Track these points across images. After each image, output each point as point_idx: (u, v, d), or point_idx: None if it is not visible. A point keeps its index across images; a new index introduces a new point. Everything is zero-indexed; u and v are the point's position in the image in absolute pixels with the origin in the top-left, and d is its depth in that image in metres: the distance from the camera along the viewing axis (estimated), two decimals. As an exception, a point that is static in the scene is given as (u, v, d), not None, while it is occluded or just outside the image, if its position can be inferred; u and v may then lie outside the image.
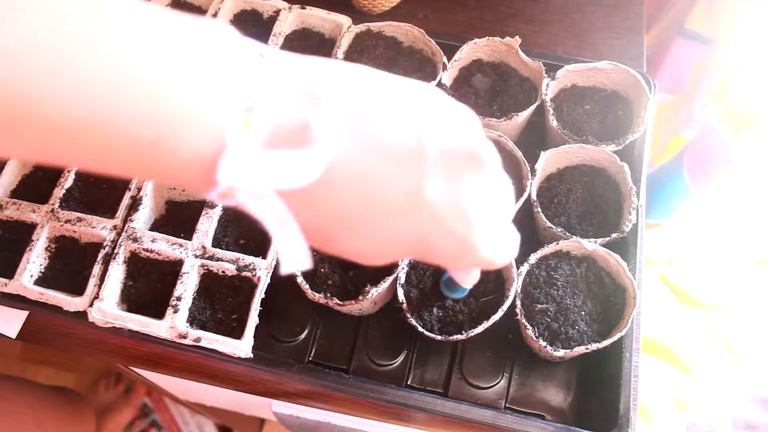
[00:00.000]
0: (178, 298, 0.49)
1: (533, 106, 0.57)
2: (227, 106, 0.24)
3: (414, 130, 0.27)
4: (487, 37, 0.60)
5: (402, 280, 0.50)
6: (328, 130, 0.25)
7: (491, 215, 0.31)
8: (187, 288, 0.50)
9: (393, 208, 0.28)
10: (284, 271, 0.29)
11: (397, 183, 0.27)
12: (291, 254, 0.28)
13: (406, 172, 0.27)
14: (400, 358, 0.54)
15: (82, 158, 0.24)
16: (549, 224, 0.52)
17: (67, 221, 0.53)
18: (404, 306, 0.49)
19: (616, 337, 0.47)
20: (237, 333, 0.49)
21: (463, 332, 0.48)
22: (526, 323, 0.48)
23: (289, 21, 0.63)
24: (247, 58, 0.25)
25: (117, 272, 0.51)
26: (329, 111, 0.25)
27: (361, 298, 0.48)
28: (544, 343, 0.48)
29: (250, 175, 0.25)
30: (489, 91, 0.60)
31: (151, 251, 0.52)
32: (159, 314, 0.49)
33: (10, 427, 0.81)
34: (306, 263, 0.28)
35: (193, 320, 0.50)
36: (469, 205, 0.29)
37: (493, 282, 0.51)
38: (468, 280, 0.39)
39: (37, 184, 0.58)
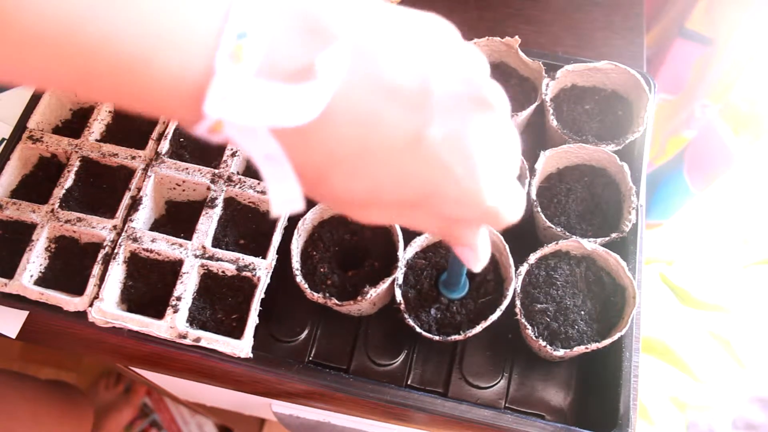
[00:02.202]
0: (178, 298, 0.49)
1: (533, 106, 0.57)
2: (218, 28, 0.22)
3: (421, 70, 0.26)
4: (487, 37, 0.60)
5: (400, 280, 0.50)
6: (333, 67, 0.24)
7: (496, 161, 0.29)
8: (187, 288, 0.50)
9: (394, 148, 0.26)
10: (275, 212, 0.27)
11: (400, 122, 0.26)
12: (283, 194, 0.26)
13: (410, 111, 0.26)
14: (400, 358, 0.54)
15: (59, 72, 0.23)
16: (549, 224, 0.52)
17: (67, 221, 0.53)
18: (402, 307, 0.49)
19: (615, 337, 0.47)
20: (237, 333, 0.49)
21: (461, 333, 0.48)
22: (526, 323, 0.48)
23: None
24: None
25: (117, 272, 0.51)
26: (335, 47, 0.24)
27: (359, 298, 0.48)
28: (543, 343, 0.48)
29: (240, 108, 0.23)
30: (489, 91, 0.60)
31: (151, 251, 0.52)
32: (159, 314, 0.49)
33: (5, 421, 0.81)
34: (299, 204, 0.27)
35: (193, 320, 0.50)
36: (473, 148, 0.28)
37: (492, 282, 0.51)
38: (475, 259, 0.36)
39: (37, 184, 0.58)
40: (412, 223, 0.32)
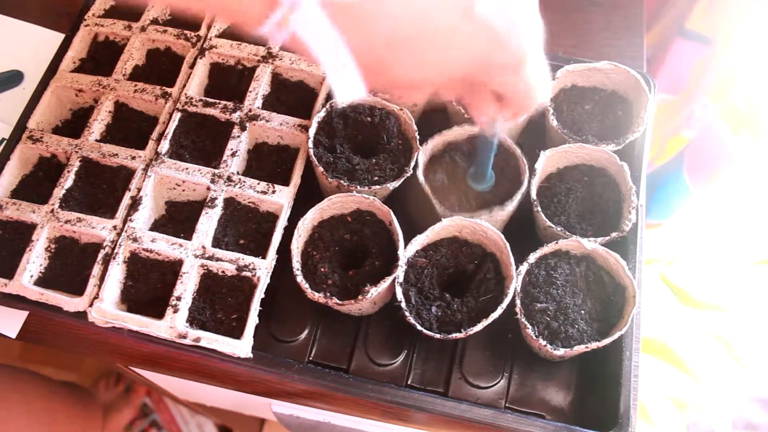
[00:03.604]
0: (178, 298, 0.49)
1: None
2: None
3: None
4: (486, 37, 0.60)
5: (401, 279, 0.50)
6: None
7: (533, 28, 0.33)
8: (186, 288, 0.50)
9: (446, 26, 0.29)
10: (340, 99, 0.31)
11: (450, 1, 0.29)
12: (345, 83, 0.30)
13: None
14: (400, 358, 0.54)
15: None
16: (549, 223, 0.52)
17: (67, 221, 0.53)
18: (403, 305, 0.49)
19: (615, 336, 0.47)
20: (237, 333, 0.49)
21: (462, 331, 0.48)
22: (526, 322, 0.48)
23: (288, 21, 0.63)
24: None
25: (117, 272, 0.51)
26: None
27: (360, 297, 0.48)
28: (543, 342, 0.48)
29: None
30: (489, 91, 0.60)
31: (151, 251, 0.52)
32: (159, 314, 0.49)
33: (23, 417, 0.82)
34: (361, 91, 0.31)
35: (193, 320, 0.50)
36: (518, 16, 0.31)
37: (493, 280, 0.51)
38: (491, 128, 0.43)
39: (37, 184, 0.58)
40: (455, 95, 0.38)
